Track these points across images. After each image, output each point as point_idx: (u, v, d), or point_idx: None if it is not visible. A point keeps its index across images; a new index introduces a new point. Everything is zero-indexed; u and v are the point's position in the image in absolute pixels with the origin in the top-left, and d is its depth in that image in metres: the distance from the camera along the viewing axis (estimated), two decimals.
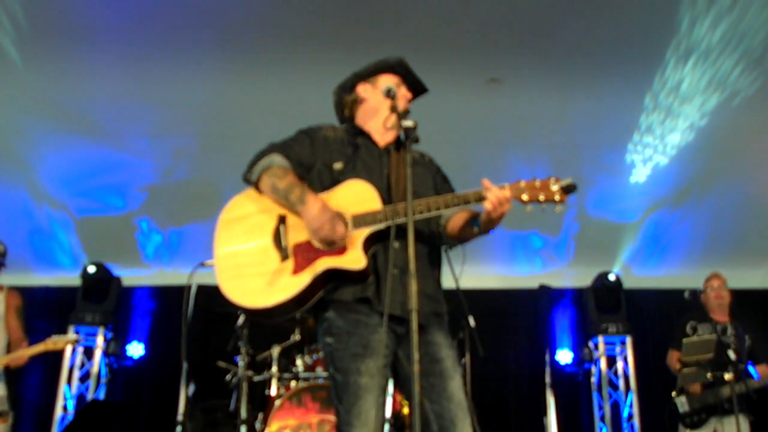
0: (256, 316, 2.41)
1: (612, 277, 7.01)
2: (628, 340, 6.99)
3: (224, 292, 2.36)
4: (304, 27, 5.41)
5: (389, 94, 2.48)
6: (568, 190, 2.32)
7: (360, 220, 2.36)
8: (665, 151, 6.40)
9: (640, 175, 6.63)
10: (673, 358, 5.17)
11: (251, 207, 2.51)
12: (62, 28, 5.33)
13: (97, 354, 6.73)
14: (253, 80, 5.78)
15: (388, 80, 2.68)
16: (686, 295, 4.87)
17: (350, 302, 2.36)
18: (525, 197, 2.31)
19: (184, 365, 6.65)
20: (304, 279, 2.33)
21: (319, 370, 4.69)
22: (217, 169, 6.47)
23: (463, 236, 2.55)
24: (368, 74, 2.73)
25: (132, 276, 7.14)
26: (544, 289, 7.40)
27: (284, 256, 2.37)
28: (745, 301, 7.35)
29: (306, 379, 4.65)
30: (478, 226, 2.43)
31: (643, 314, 7.24)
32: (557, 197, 2.31)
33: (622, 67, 5.63)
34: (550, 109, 6.06)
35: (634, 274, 7.40)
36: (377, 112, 2.66)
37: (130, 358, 6.88)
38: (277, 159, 2.52)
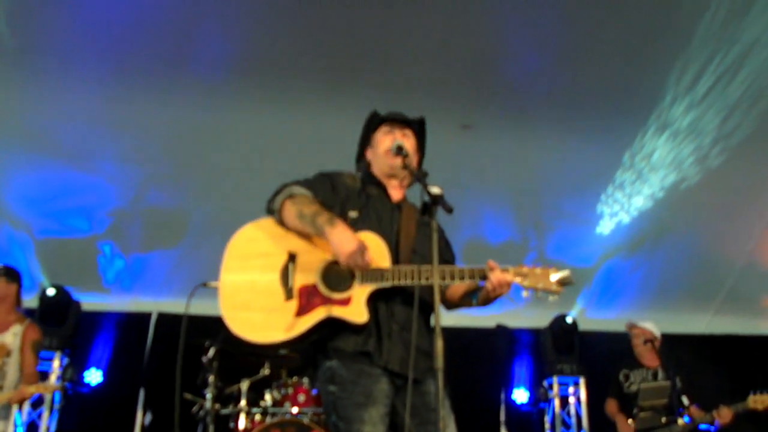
0: (252, 347, 2.47)
1: (569, 320, 7.21)
2: (581, 380, 7.18)
3: (226, 321, 2.44)
4: (281, 62, 5.50)
5: (400, 152, 2.61)
6: (564, 282, 2.50)
7: (368, 276, 2.46)
8: (629, 211, 6.80)
9: (605, 227, 6.98)
10: (612, 407, 5.38)
11: (263, 238, 2.56)
12: (38, 47, 5.31)
13: (52, 379, 6.45)
14: (225, 110, 5.83)
15: (381, 134, 2.81)
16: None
17: (352, 353, 2.44)
18: (526, 283, 2.48)
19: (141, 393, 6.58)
20: (307, 323, 2.42)
21: (287, 405, 4.71)
22: (185, 197, 6.47)
23: (460, 305, 2.71)
24: (366, 138, 2.87)
25: (92, 302, 6.96)
26: (501, 329, 7.55)
27: (289, 296, 2.45)
28: (689, 345, 7.72)
29: (274, 414, 4.68)
30: (476, 300, 2.59)
31: (595, 356, 7.44)
32: (554, 288, 2.49)
33: (606, 122, 5.98)
34: (518, 156, 6.30)
35: (588, 317, 7.63)
36: (382, 170, 2.78)
37: (87, 384, 6.70)
38: (300, 189, 2.58)
